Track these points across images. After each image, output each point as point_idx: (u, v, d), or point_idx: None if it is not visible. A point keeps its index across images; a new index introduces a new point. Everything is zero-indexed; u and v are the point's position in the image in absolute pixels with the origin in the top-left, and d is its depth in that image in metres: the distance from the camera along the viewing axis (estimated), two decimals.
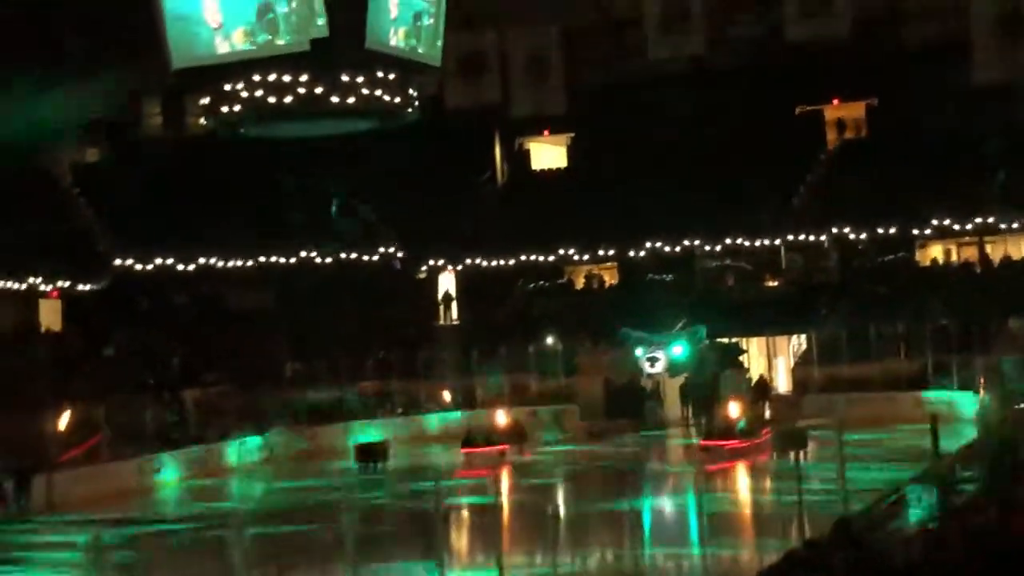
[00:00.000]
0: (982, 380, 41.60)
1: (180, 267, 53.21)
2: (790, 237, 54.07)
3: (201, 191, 54.57)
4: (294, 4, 36.51)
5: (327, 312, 53.86)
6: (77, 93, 53.73)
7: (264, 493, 38.55)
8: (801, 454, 33.70)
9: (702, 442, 39.19)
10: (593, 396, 48.54)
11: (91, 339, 49.91)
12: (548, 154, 64.99)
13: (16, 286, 49.27)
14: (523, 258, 56.77)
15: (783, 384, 50.15)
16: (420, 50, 40.01)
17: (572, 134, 63.42)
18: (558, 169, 63.99)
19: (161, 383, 45.47)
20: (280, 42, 37.02)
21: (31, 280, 49.57)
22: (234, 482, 40.62)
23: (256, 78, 39.06)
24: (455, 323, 57.16)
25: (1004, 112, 50.66)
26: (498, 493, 34.02)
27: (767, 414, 45.25)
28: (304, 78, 38.62)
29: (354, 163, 56.30)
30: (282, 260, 55.03)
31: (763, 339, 50.89)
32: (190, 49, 38.38)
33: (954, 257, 54.46)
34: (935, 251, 54.86)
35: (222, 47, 37.72)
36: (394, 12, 38.45)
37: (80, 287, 51.43)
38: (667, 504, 34.33)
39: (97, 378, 45.10)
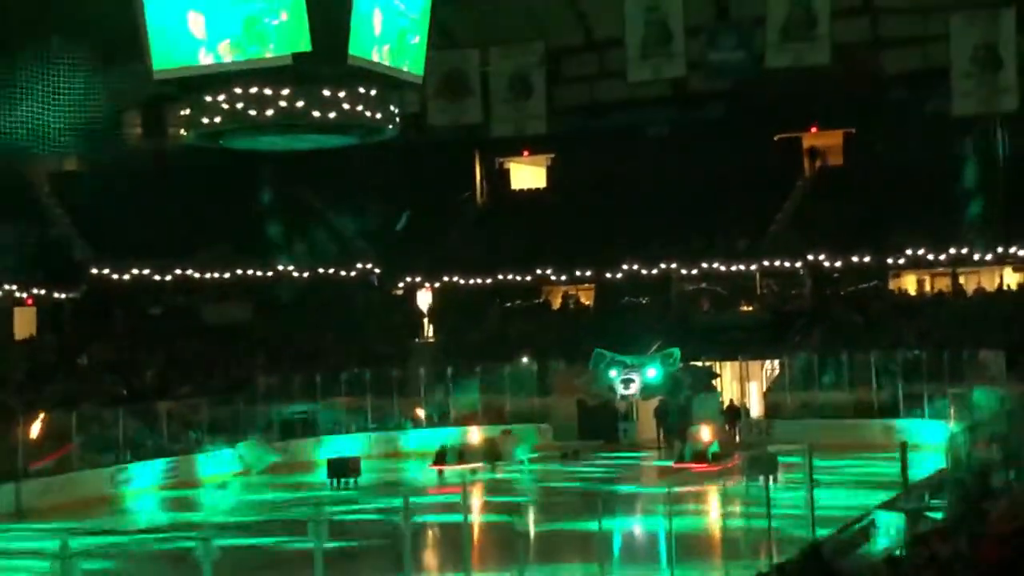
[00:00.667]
0: (952, 410, 41.80)
1: (156, 278, 53.11)
2: (766, 263, 54.32)
3: (179, 202, 54.50)
4: (282, 17, 36.55)
5: (302, 326, 53.87)
6: (57, 100, 53.65)
7: (234, 506, 38.46)
8: (771, 479, 33.74)
9: (674, 465, 39.26)
10: (567, 416, 48.59)
11: (65, 348, 49.76)
12: (527, 174, 65.18)
13: None
14: (500, 277, 56.86)
15: (756, 409, 50.27)
16: (403, 67, 40.12)
17: (552, 155, 63.60)
18: (537, 189, 64.20)
19: (134, 394, 45.31)
20: (266, 55, 37.04)
21: (6, 287, 49.42)
22: (204, 494, 40.50)
23: (237, 90, 39.10)
24: (430, 340, 57.19)
25: (980, 143, 50.97)
26: (468, 510, 34.03)
27: (738, 438, 45.35)
28: (285, 92, 38.66)
29: (333, 178, 56.37)
30: (259, 273, 54.95)
31: (737, 363, 51.03)
32: (172, 59, 38.38)
33: (928, 287, 54.75)
34: (909, 281, 55.16)
35: (206, 59, 37.74)
36: (378, 29, 38.54)
37: (56, 295, 51.29)
38: (637, 525, 34.35)
39: (70, 387, 44.99)
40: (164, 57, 38.46)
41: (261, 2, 36.59)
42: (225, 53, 37.46)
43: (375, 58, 38.83)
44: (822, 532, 23.62)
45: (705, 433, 40.55)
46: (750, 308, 54.86)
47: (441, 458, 40.97)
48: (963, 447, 33.79)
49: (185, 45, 37.87)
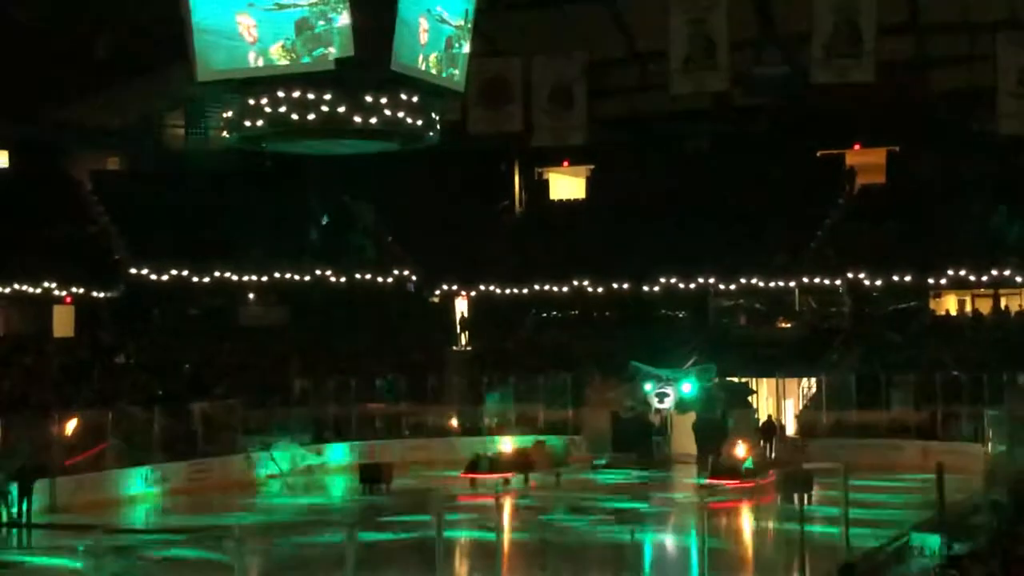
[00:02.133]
0: (990, 433, 41.45)
1: (195, 279, 53.25)
2: (805, 280, 53.99)
3: (219, 204, 54.74)
4: (333, 21, 36.60)
5: (338, 331, 53.93)
6: (101, 101, 54.06)
7: (267, 508, 38.51)
8: (806, 497, 33.57)
9: (708, 480, 39.08)
10: (600, 429, 48.38)
11: (102, 347, 49.99)
12: (567, 185, 65.10)
13: (31, 290, 49.40)
14: (537, 287, 56.75)
15: (791, 426, 50.00)
16: (445, 75, 40.14)
17: (592, 166, 63.51)
18: (576, 200, 64.08)
19: (170, 394, 45.47)
20: (319, 57, 37.07)
21: (45, 285, 49.69)
22: (237, 496, 40.58)
23: (280, 94, 39.18)
24: (466, 349, 57.17)
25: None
26: (499, 520, 33.97)
27: (773, 455, 45.11)
28: (328, 97, 38.69)
29: (373, 184, 56.50)
30: (296, 277, 55.07)
31: (773, 380, 50.76)
32: (219, 62, 38.47)
33: (968, 308, 54.33)
34: (949, 302, 54.76)
35: (257, 61, 37.75)
36: (424, 38, 38.57)
37: (94, 294, 51.53)
38: (669, 539, 34.19)
39: (106, 386, 45.19)
40: (210, 59, 38.56)
41: (312, 6, 36.63)
42: (278, 56, 37.49)
43: (421, 66, 38.87)
44: (857, 552, 23.41)
45: (740, 449, 40.37)
46: (788, 325, 54.55)
47: (473, 467, 40.90)
48: (1000, 470, 33.57)
49: (234, 48, 37.95)
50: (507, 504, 37.03)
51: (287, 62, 37.56)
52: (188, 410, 43.73)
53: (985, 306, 53.54)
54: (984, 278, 51.88)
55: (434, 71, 39.44)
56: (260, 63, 37.75)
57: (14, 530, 33.04)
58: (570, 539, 31.77)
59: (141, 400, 43.65)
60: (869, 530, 27.80)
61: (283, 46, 37.35)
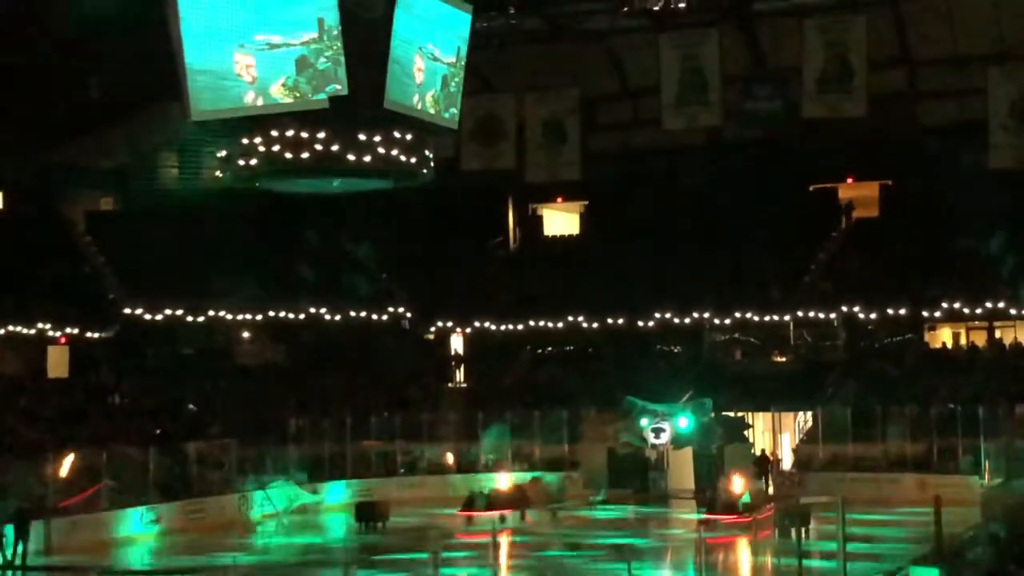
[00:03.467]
0: (987, 465, 41.40)
1: (189, 318, 53.21)
2: (799, 313, 54.01)
3: (213, 244, 54.75)
4: (331, 59, 36.63)
5: (334, 369, 53.89)
6: (94, 142, 54.17)
7: (263, 547, 38.38)
8: (804, 531, 33.49)
9: (705, 515, 38.97)
10: (597, 465, 48.33)
11: (97, 387, 49.89)
12: (561, 221, 65.19)
13: (25, 331, 49.34)
14: (532, 323, 56.74)
15: (787, 460, 49.91)
16: (445, 114, 40.23)
17: (585, 201, 63.61)
18: (570, 236, 64.16)
19: (165, 434, 45.35)
20: (319, 95, 37.04)
21: (40, 325, 49.64)
22: (233, 536, 40.42)
23: (274, 133, 39.21)
24: (461, 385, 57.07)
25: (1017, 197, 50.69)
26: (496, 557, 33.87)
27: (770, 490, 45.02)
28: (321, 135, 38.73)
29: (367, 222, 56.54)
30: (291, 316, 55.03)
31: (769, 414, 50.70)
32: (213, 101, 38.43)
33: (963, 341, 54.34)
34: (944, 334, 54.76)
35: (256, 100, 37.65)
36: (419, 77, 38.65)
37: (88, 334, 51.47)
38: (667, 575, 34.11)
39: (101, 426, 45.07)
40: (203, 99, 38.54)
41: (306, 45, 36.66)
42: (280, 94, 37.46)
43: (417, 104, 38.95)
44: None
45: (736, 484, 40.25)
46: (783, 359, 54.57)
47: (470, 504, 40.79)
48: (998, 502, 33.50)
49: (228, 87, 37.94)
50: (504, 541, 36.92)
51: (290, 100, 37.53)
52: (183, 450, 43.60)
53: (980, 338, 53.55)
54: (978, 310, 51.91)
55: (432, 110, 39.53)
56: (260, 102, 37.69)
57: (9, 572, 32.90)
58: (567, 574, 31.66)
59: (136, 440, 43.53)
60: (868, 564, 27.72)
61: (284, 84, 37.34)
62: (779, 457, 49.68)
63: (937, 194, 53.62)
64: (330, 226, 58.13)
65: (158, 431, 45.61)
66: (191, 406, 48.94)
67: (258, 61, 37.25)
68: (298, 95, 37.26)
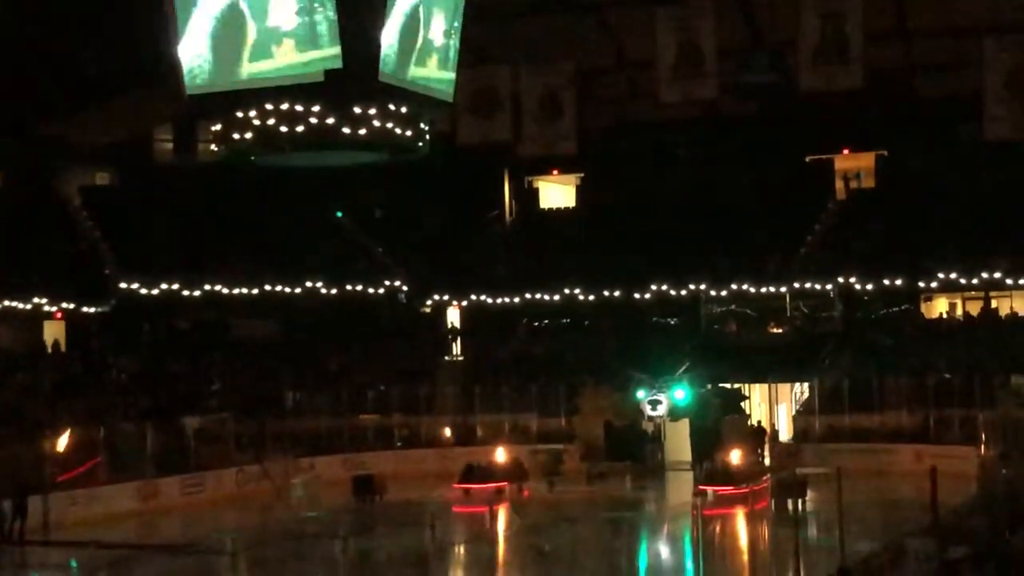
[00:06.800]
0: (983, 435, 41.47)
1: (185, 293, 53.15)
2: (796, 285, 54.01)
3: (209, 218, 54.70)
4: (326, 30, 36.37)
5: (330, 343, 53.88)
6: (90, 117, 53.96)
7: (260, 521, 38.42)
8: (800, 502, 33.60)
9: (701, 487, 39.04)
10: (594, 437, 48.36)
11: (93, 362, 49.88)
12: (557, 193, 65.12)
13: (21, 306, 49.29)
14: (528, 296, 56.74)
15: (784, 431, 50.00)
16: (437, 86, 40.06)
17: (581, 174, 63.52)
18: (566, 208, 64.10)
19: (162, 408, 45.37)
20: (313, 68, 36.77)
21: (35, 300, 49.57)
22: (230, 510, 40.49)
23: (268, 107, 39.03)
24: (458, 359, 57.10)
25: (1013, 167, 50.66)
26: (493, 530, 33.97)
27: (767, 461, 45.12)
28: (316, 108, 38.57)
29: (363, 195, 56.45)
30: (287, 290, 54.99)
31: (765, 386, 50.77)
32: (208, 75, 38.17)
33: (959, 311, 54.39)
34: (940, 304, 54.79)
35: (251, 71, 37.33)
36: (415, 50, 38.41)
37: (84, 309, 51.42)
38: (664, 547, 34.20)
39: (98, 401, 45.09)
40: (198, 73, 38.32)
41: (303, 16, 36.43)
42: (271, 67, 37.17)
43: (411, 76, 38.77)
44: (852, 557, 23.38)
45: (733, 455, 40.33)
46: (780, 330, 54.58)
47: (467, 477, 40.84)
48: (993, 474, 33.56)
49: (223, 60, 37.70)
50: (501, 514, 37.00)
51: (285, 73, 37.30)
52: (180, 424, 43.63)
53: (976, 308, 53.60)
54: (974, 281, 51.92)
55: (427, 82, 39.35)
56: (254, 74, 37.47)
57: (7, 548, 32.95)
58: (564, 548, 31.75)
59: (133, 415, 43.54)
60: (864, 535, 27.78)
61: (278, 56, 37.09)
62: (776, 428, 49.78)
63: (933, 164, 53.57)
64: (326, 200, 58.04)
65: (153, 406, 45.59)
66: (176, 385, 48.82)
67: (252, 34, 37.03)
68: (292, 68, 37.04)
